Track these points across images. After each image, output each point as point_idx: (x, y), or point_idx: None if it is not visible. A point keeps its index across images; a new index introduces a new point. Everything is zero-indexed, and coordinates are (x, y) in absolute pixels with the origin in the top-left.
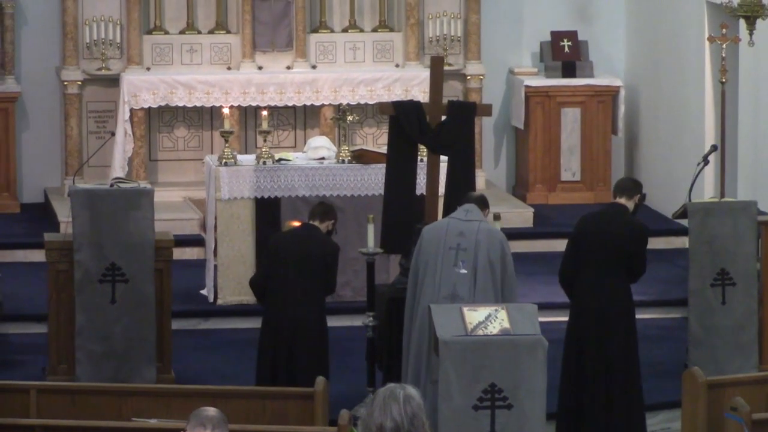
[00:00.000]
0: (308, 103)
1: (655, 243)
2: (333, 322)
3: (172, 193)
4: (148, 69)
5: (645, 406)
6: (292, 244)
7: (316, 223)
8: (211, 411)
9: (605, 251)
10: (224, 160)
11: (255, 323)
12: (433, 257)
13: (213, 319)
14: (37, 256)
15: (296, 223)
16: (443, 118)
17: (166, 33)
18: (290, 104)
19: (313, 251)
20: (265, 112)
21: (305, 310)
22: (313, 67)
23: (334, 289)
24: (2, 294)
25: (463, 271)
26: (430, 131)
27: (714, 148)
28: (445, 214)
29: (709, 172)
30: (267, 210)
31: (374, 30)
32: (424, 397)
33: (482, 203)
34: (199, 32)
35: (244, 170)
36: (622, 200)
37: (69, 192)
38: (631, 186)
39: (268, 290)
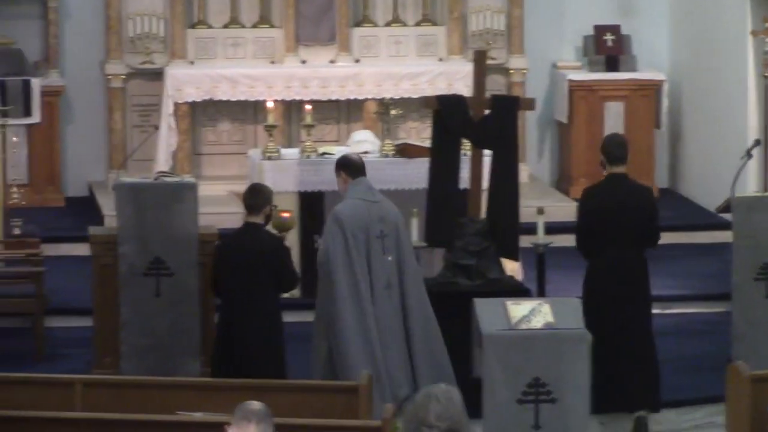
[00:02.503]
0: (351, 97)
1: (698, 237)
2: None
3: (216, 187)
4: (192, 63)
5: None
6: (234, 252)
7: (253, 219)
8: (255, 405)
9: (628, 223)
10: (268, 154)
11: (298, 317)
12: (363, 246)
13: None
14: (82, 249)
15: (286, 214)
16: (486, 112)
17: (210, 27)
18: (334, 98)
19: (255, 256)
20: (308, 106)
21: (253, 316)
22: (357, 61)
23: (293, 284)
24: (47, 288)
25: (390, 258)
26: (473, 125)
27: (757, 142)
28: (490, 207)
29: (753, 167)
30: (311, 204)
31: (417, 24)
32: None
33: (365, 168)
34: (243, 26)
35: (288, 164)
36: (621, 169)
37: (113, 186)
38: (626, 154)
39: (222, 295)
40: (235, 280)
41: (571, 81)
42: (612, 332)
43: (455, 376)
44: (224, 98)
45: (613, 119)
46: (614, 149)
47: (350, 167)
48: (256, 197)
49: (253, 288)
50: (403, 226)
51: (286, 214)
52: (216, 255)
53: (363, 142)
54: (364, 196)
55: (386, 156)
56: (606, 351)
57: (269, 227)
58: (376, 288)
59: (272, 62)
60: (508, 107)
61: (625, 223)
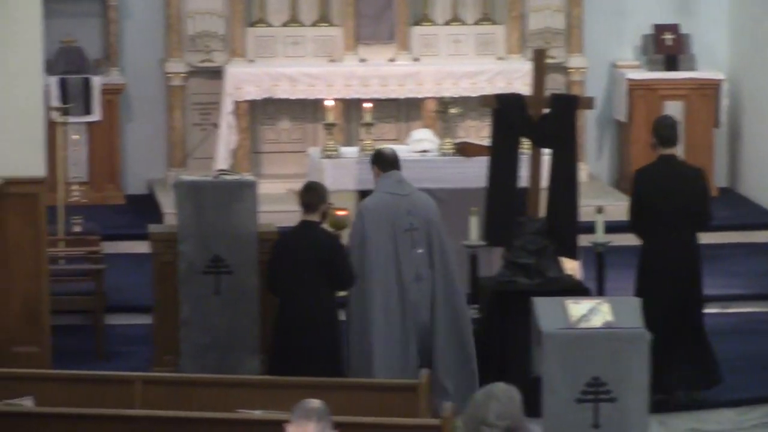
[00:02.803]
0: (411, 96)
1: (757, 237)
2: None
3: (275, 185)
4: (252, 61)
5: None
6: (290, 249)
7: (310, 217)
8: (315, 403)
9: (678, 204)
10: (327, 153)
11: None
12: (388, 240)
13: None
14: (142, 247)
15: (342, 212)
16: (546, 111)
17: (270, 25)
18: (393, 97)
19: (312, 253)
20: (368, 105)
21: (311, 314)
22: (416, 59)
23: (349, 282)
24: (107, 285)
25: (420, 250)
26: (532, 124)
27: None
28: (549, 206)
29: None
30: None
31: (477, 23)
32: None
33: (398, 162)
34: (303, 25)
35: (348, 162)
36: (672, 150)
37: (173, 184)
38: (676, 135)
39: (278, 293)
40: (291, 278)
41: (630, 80)
42: (663, 314)
43: (514, 375)
44: (284, 97)
45: None
46: (665, 131)
47: (381, 161)
48: (312, 195)
49: (309, 286)
50: (435, 220)
51: (342, 212)
52: (272, 253)
53: (422, 140)
54: (392, 190)
55: (445, 155)
56: (656, 333)
57: (326, 225)
58: (405, 280)
59: (332, 61)
60: (567, 106)
61: (676, 203)
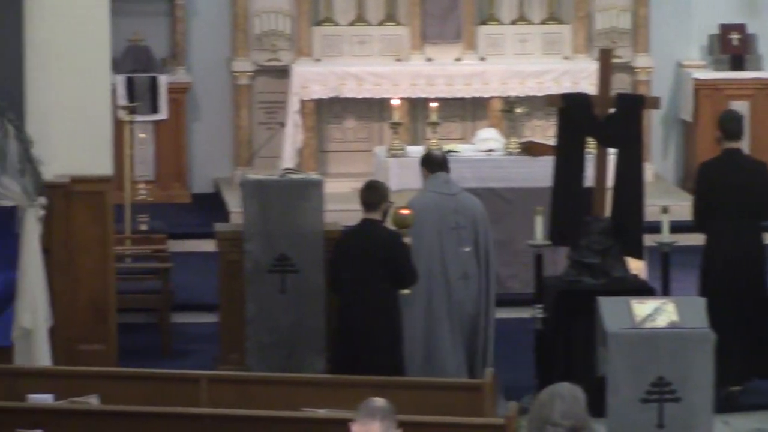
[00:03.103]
0: (477, 95)
1: None
2: (500, 314)
3: (341, 184)
4: (318, 60)
5: None
6: (354, 248)
7: (372, 215)
8: (380, 401)
9: (743, 196)
10: (393, 152)
11: None
12: (434, 238)
13: None
14: (208, 246)
15: (405, 212)
16: (611, 110)
17: (336, 24)
18: (459, 96)
19: (375, 252)
20: (434, 104)
21: (373, 312)
22: (482, 59)
23: (412, 281)
24: (173, 284)
25: (468, 249)
26: (598, 124)
27: None
28: (615, 206)
29: None
30: None
31: (543, 22)
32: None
33: (447, 164)
34: (369, 24)
35: (414, 162)
36: (737, 144)
37: (239, 182)
38: (741, 129)
39: (340, 292)
40: (353, 276)
41: (696, 80)
42: (725, 304)
43: (579, 374)
44: (350, 96)
45: None
46: (730, 124)
47: (429, 162)
48: (373, 194)
49: (371, 284)
50: (482, 220)
51: (405, 211)
52: (334, 252)
53: (488, 140)
54: (439, 189)
55: (511, 154)
56: (717, 328)
57: (388, 224)
58: (452, 278)
59: (398, 60)
60: (633, 106)
61: (741, 196)
